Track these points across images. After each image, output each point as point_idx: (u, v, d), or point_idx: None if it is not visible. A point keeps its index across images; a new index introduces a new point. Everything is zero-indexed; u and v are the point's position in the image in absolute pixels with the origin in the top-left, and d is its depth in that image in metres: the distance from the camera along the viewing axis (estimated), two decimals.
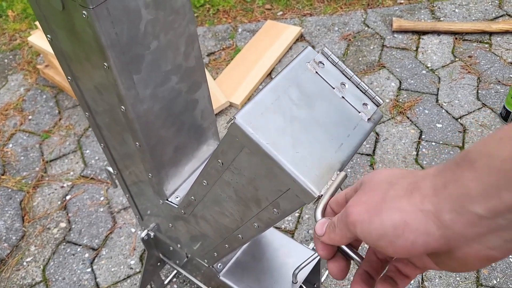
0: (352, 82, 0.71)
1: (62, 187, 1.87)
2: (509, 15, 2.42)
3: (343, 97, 0.69)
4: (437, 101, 2.04)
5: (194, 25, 0.86)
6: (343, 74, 0.71)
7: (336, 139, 0.66)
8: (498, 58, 2.20)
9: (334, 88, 0.69)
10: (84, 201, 1.81)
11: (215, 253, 1.05)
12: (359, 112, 0.69)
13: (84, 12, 0.67)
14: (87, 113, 0.96)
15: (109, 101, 0.85)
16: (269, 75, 2.26)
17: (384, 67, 2.22)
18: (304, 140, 0.64)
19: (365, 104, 0.70)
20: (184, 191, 1.03)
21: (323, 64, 0.71)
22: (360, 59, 2.28)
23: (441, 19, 2.44)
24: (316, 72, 0.70)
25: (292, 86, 0.67)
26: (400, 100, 2.06)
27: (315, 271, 1.20)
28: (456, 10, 2.49)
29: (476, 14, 2.45)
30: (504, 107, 1.90)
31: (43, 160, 1.99)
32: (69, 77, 0.89)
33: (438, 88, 2.09)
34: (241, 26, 2.58)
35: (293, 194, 0.65)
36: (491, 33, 2.31)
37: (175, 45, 0.84)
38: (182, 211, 0.99)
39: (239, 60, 2.31)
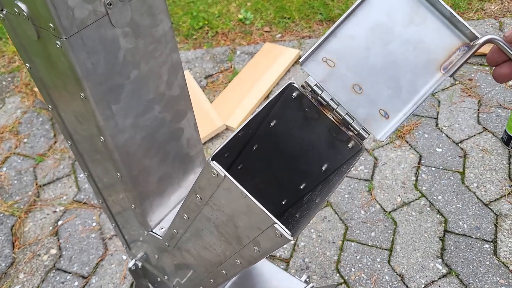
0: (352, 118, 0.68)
1: (55, 212, 1.84)
2: None
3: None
4: (437, 124, 2.00)
5: (177, 54, 0.84)
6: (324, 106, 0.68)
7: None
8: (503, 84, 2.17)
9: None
10: (76, 226, 1.77)
11: (201, 287, 1.01)
12: (349, 138, 0.66)
13: (57, 42, 0.65)
14: (69, 142, 0.93)
15: (89, 131, 0.82)
16: (267, 98, 2.24)
17: None
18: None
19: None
20: (169, 222, 1.00)
21: (320, 90, 0.68)
22: None
23: None
24: (312, 96, 0.67)
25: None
26: None
27: None
28: None
29: None
30: (505, 131, 1.86)
31: (36, 184, 1.96)
32: (49, 106, 0.86)
33: (438, 112, 2.06)
34: (240, 48, 2.57)
35: (269, 237, 0.62)
36: None
37: (157, 74, 0.81)
38: (166, 243, 0.95)
39: (236, 82, 2.29)
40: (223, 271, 0.84)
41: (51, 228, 1.78)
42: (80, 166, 0.99)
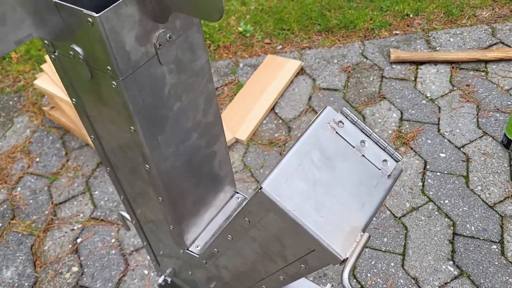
0: (372, 140, 0.74)
1: (73, 230, 1.88)
2: (502, 43, 2.49)
3: (363, 155, 0.72)
4: (438, 130, 2.08)
5: (212, 84, 0.90)
6: (363, 132, 0.74)
7: (358, 199, 0.69)
8: (495, 86, 2.26)
9: (354, 147, 0.72)
10: (95, 243, 1.82)
11: None
12: (379, 169, 0.72)
13: (113, 82, 0.70)
14: (108, 168, 0.98)
15: (133, 160, 0.87)
16: (273, 109, 2.30)
17: (385, 98, 2.27)
18: (327, 203, 0.66)
19: (385, 160, 0.73)
20: (204, 240, 1.05)
21: (343, 123, 0.74)
22: (360, 90, 2.32)
23: (437, 48, 2.51)
24: (336, 132, 0.73)
25: (314, 149, 0.70)
26: (403, 130, 2.10)
27: None
28: (451, 40, 2.55)
29: (470, 42, 2.52)
30: (505, 135, 1.94)
31: (52, 203, 2.00)
32: (92, 136, 0.91)
33: (439, 118, 2.14)
34: (242, 61, 2.63)
35: (319, 256, 0.68)
36: (486, 61, 2.38)
37: (195, 104, 0.87)
38: (204, 261, 1.00)
39: (242, 95, 2.35)
40: (263, 286, 0.90)
41: (70, 246, 1.82)
42: (117, 190, 1.04)
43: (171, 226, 0.99)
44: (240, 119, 2.22)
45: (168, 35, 0.73)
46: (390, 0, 2.84)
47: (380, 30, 2.68)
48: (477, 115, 2.13)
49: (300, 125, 2.19)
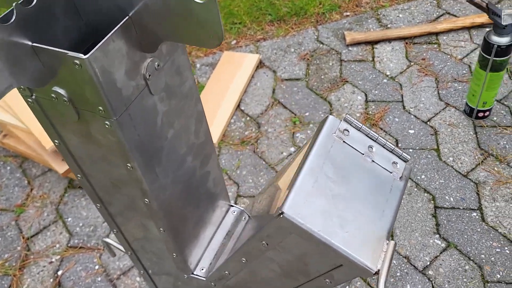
0: (378, 143, 0.73)
1: (51, 262, 1.79)
2: (449, 13, 2.57)
3: (373, 161, 0.71)
4: (404, 107, 2.13)
5: (200, 103, 0.86)
6: (369, 137, 0.73)
7: (378, 207, 0.68)
8: (449, 56, 2.33)
9: (363, 154, 0.71)
10: (78, 273, 1.73)
11: None
12: (391, 173, 0.72)
13: (106, 122, 0.65)
14: (98, 205, 0.93)
15: (129, 195, 0.82)
16: (238, 107, 2.26)
17: (347, 81, 2.29)
18: (349, 217, 0.65)
19: (394, 162, 0.72)
20: (208, 261, 1.02)
21: (348, 131, 0.72)
22: (322, 77, 2.33)
23: (389, 26, 2.56)
24: (344, 141, 0.71)
25: (326, 163, 0.68)
26: (370, 112, 2.13)
27: None
28: (400, 15, 2.61)
29: (419, 16, 2.58)
30: (466, 104, 2.01)
31: (23, 237, 1.88)
32: (78, 175, 0.85)
33: (402, 95, 2.19)
34: (198, 61, 2.57)
35: (348, 271, 0.66)
36: (437, 33, 2.45)
37: (187, 127, 0.83)
38: (213, 283, 0.97)
39: (204, 97, 2.30)
40: None
41: (52, 280, 1.73)
42: (109, 224, 0.98)
43: (174, 254, 0.95)
44: (207, 121, 2.16)
45: (156, 63, 0.69)
46: None
47: (331, 14, 2.70)
48: (437, 87, 2.20)
49: (268, 120, 2.17)
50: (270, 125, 2.15)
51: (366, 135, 0.73)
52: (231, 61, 2.46)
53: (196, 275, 1.01)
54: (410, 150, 1.93)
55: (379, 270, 0.63)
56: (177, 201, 0.87)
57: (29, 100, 0.71)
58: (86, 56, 0.55)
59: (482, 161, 1.86)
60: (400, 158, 0.73)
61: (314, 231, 0.62)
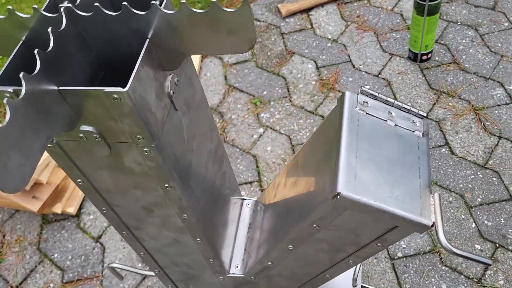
0: (395, 108, 0.77)
1: None
2: None
3: (396, 124, 0.76)
4: (353, 66, 2.21)
5: (209, 108, 0.86)
6: (386, 103, 0.77)
7: (413, 166, 0.73)
8: (380, 9, 2.44)
9: (386, 120, 0.75)
10: None
11: None
12: (413, 132, 0.76)
13: (145, 149, 0.64)
14: (124, 232, 0.90)
15: (163, 215, 0.82)
16: None
17: (294, 53, 2.33)
18: (394, 181, 0.69)
19: (413, 122, 0.77)
20: (239, 258, 1.03)
21: (367, 102, 0.76)
22: (268, 53, 2.36)
23: None
24: (367, 113, 0.75)
25: (359, 138, 0.71)
26: (324, 77, 2.19)
27: None
28: None
29: None
30: (410, 50, 2.12)
31: (11, 287, 1.78)
32: (103, 209, 0.83)
33: (348, 55, 2.27)
34: None
35: (404, 230, 0.71)
36: None
37: (204, 134, 0.83)
38: (252, 277, 0.99)
39: None
40: (328, 275, 0.92)
41: None
42: (135, 249, 0.97)
43: (210, 260, 0.96)
44: None
45: (176, 79, 0.68)
46: None
47: None
48: (378, 40, 2.30)
49: (229, 107, 2.17)
50: (232, 111, 2.16)
51: (383, 102, 0.77)
52: None
53: (233, 274, 1.02)
54: None
55: (434, 222, 0.68)
56: (208, 208, 0.87)
57: (49, 145, 0.67)
58: (125, 89, 0.54)
59: (437, 100, 1.99)
60: (417, 116, 0.78)
61: (372, 203, 0.65)
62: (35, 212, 1.78)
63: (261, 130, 2.06)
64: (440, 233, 0.67)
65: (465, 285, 1.49)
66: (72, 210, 1.86)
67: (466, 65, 2.11)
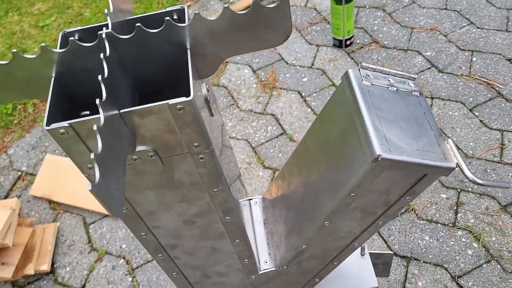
0: (392, 75, 0.87)
1: None
2: None
3: (397, 89, 0.85)
4: (287, 63, 2.32)
5: (220, 115, 0.89)
6: (383, 73, 0.86)
7: (423, 121, 0.82)
8: (294, 7, 2.59)
9: (388, 87, 0.84)
10: None
11: (317, 279, 1.13)
12: (412, 92, 0.86)
13: (201, 156, 0.66)
14: (160, 255, 0.90)
15: (203, 225, 0.83)
16: None
17: (227, 62, 2.39)
18: (415, 136, 0.78)
19: (408, 84, 0.87)
20: (265, 253, 1.07)
21: (369, 75, 0.84)
22: None
23: (231, 1, 2.70)
24: (372, 84, 0.83)
25: (375, 105, 0.79)
26: (263, 79, 2.28)
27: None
28: None
29: None
30: (334, 38, 2.29)
31: None
32: (143, 234, 0.82)
33: (279, 53, 2.38)
34: None
35: (431, 177, 0.80)
36: None
37: (219, 131, 0.86)
38: (285, 267, 1.03)
39: None
40: (356, 243, 0.99)
41: None
42: (169, 270, 0.96)
43: (245, 261, 0.98)
44: None
45: (207, 85, 0.71)
46: None
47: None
48: (301, 35, 2.44)
49: None
50: None
51: (381, 72, 0.86)
52: None
53: (265, 269, 1.05)
54: (314, 95, 2.15)
55: (457, 163, 0.77)
56: (237, 206, 0.90)
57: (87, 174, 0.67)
58: (190, 97, 0.56)
59: None
60: (409, 79, 0.88)
61: (407, 159, 0.73)
62: (10, 277, 1.64)
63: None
64: (465, 170, 0.77)
65: (444, 231, 1.65)
66: (45, 267, 1.74)
67: (385, 42, 2.32)
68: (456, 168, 0.78)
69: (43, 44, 0.59)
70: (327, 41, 2.37)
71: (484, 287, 1.50)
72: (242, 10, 0.61)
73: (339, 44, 2.29)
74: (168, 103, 0.56)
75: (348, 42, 2.28)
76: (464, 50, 2.17)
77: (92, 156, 0.46)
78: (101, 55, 0.56)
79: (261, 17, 0.60)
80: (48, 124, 0.57)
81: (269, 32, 0.62)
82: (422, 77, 2.13)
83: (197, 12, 0.59)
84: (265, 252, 1.07)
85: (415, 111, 0.82)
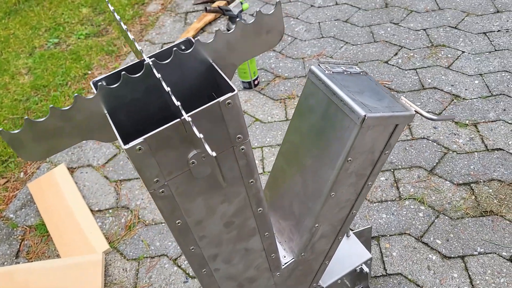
0: (341, 64, 1.10)
1: None
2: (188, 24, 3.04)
3: (350, 72, 1.08)
4: None
5: None
6: (335, 64, 1.09)
7: (378, 89, 1.06)
8: None
9: (343, 72, 1.07)
10: None
11: (326, 261, 1.26)
12: (360, 73, 1.10)
13: (242, 147, 0.79)
14: (204, 270, 0.97)
15: (239, 223, 0.94)
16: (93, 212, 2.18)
17: None
18: (379, 99, 1.01)
19: (354, 68, 1.11)
20: (281, 251, 1.18)
21: (327, 67, 1.06)
22: None
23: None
24: (332, 72, 1.05)
25: (343, 84, 1.01)
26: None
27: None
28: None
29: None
30: (243, 82, 2.54)
31: None
32: (192, 247, 0.90)
33: None
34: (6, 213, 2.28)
35: (400, 127, 1.01)
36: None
37: None
38: (303, 254, 1.16)
39: (59, 231, 2.11)
40: (354, 211, 1.15)
41: None
42: (208, 286, 1.03)
43: (272, 255, 1.09)
44: (82, 240, 2.02)
45: None
46: None
47: None
48: None
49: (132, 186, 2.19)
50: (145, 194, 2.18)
51: (334, 64, 1.08)
52: (45, 187, 2.29)
53: (286, 263, 1.16)
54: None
55: (415, 110, 1.00)
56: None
57: (161, 190, 0.76)
58: (235, 92, 0.71)
59: (285, 105, 2.43)
60: (354, 65, 1.11)
61: (383, 114, 0.94)
62: None
63: None
64: (423, 112, 1.00)
65: (394, 206, 1.89)
66: None
67: (286, 74, 2.63)
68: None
69: (101, 83, 0.70)
70: (237, 86, 2.61)
71: (442, 237, 1.76)
72: (197, 30, 0.78)
73: (249, 85, 2.55)
74: (219, 100, 0.70)
75: (256, 82, 2.55)
76: (318, 63, 2.57)
77: (200, 135, 0.58)
78: (159, 75, 0.69)
79: (263, 24, 0.78)
80: (125, 144, 0.67)
81: (269, 35, 0.80)
82: None
83: (217, 29, 0.74)
84: (280, 249, 1.18)
85: (370, 84, 1.05)
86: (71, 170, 2.38)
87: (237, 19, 0.76)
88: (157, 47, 3.04)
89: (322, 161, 1.04)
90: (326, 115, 1.02)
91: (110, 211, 2.15)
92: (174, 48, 0.73)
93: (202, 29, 3.10)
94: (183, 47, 0.83)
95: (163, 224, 2.03)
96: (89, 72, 2.96)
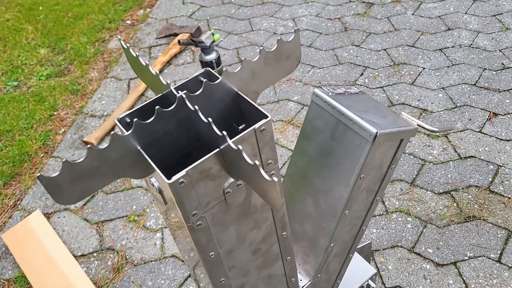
0: (340, 86, 1.14)
1: None
2: (153, 58, 3.01)
3: (350, 93, 1.12)
4: None
5: None
6: (336, 86, 1.13)
7: (380, 107, 1.11)
8: None
9: (345, 93, 1.11)
10: None
11: (338, 281, 1.27)
12: (359, 93, 1.14)
13: (273, 172, 0.80)
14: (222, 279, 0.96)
15: (266, 250, 0.94)
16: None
17: None
18: (382, 116, 1.05)
19: (353, 89, 1.15)
20: (306, 270, 1.18)
21: (330, 89, 1.10)
22: None
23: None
24: (336, 93, 1.09)
25: (349, 104, 1.05)
26: None
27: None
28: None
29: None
30: None
31: None
32: (222, 279, 0.89)
33: None
34: None
35: (405, 141, 1.06)
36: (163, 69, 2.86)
37: None
38: (318, 276, 1.16)
39: (40, 280, 1.99)
40: (364, 227, 1.18)
41: None
42: None
43: (292, 279, 1.09)
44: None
45: None
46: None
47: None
48: None
49: (123, 237, 2.11)
50: (121, 238, 2.11)
51: (335, 86, 1.11)
52: (21, 236, 2.17)
53: (303, 286, 1.16)
54: None
55: (418, 124, 1.05)
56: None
57: (199, 223, 0.75)
58: (268, 118, 0.73)
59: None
60: (351, 86, 1.16)
61: (392, 130, 0.98)
62: None
63: (158, 234, 2.09)
64: (425, 125, 1.05)
65: (383, 220, 1.94)
66: None
67: (258, 101, 2.67)
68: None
69: (136, 119, 0.69)
70: None
71: (432, 245, 1.82)
72: (164, 64, 0.80)
73: None
74: (255, 127, 0.71)
75: None
76: (320, 86, 2.65)
77: (256, 162, 0.59)
78: (195, 107, 0.69)
79: (283, 51, 0.80)
80: (168, 179, 0.66)
81: (288, 61, 0.83)
82: (301, 115, 2.51)
83: (244, 58, 0.76)
84: (296, 272, 1.18)
85: (370, 103, 1.10)
86: (47, 215, 2.27)
87: (260, 48, 0.78)
88: (124, 83, 3.01)
89: (334, 180, 1.06)
90: (335, 135, 1.05)
91: (95, 254, 2.06)
92: (204, 80, 0.74)
93: (168, 62, 3.10)
94: (202, 79, 0.84)
95: (153, 263, 1.97)
96: (55, 113, 2.87)
